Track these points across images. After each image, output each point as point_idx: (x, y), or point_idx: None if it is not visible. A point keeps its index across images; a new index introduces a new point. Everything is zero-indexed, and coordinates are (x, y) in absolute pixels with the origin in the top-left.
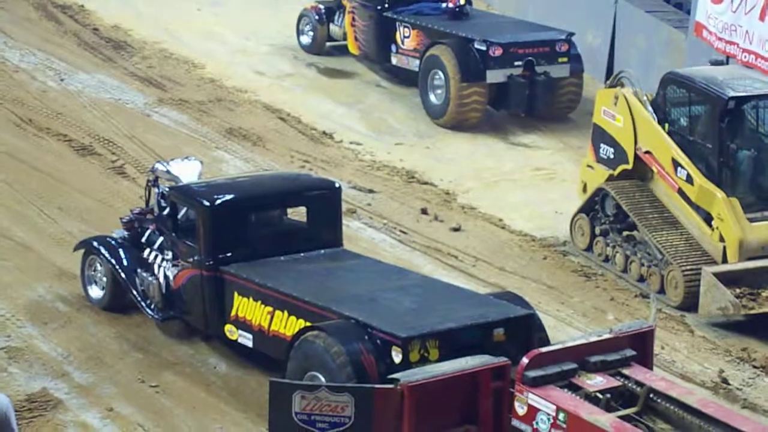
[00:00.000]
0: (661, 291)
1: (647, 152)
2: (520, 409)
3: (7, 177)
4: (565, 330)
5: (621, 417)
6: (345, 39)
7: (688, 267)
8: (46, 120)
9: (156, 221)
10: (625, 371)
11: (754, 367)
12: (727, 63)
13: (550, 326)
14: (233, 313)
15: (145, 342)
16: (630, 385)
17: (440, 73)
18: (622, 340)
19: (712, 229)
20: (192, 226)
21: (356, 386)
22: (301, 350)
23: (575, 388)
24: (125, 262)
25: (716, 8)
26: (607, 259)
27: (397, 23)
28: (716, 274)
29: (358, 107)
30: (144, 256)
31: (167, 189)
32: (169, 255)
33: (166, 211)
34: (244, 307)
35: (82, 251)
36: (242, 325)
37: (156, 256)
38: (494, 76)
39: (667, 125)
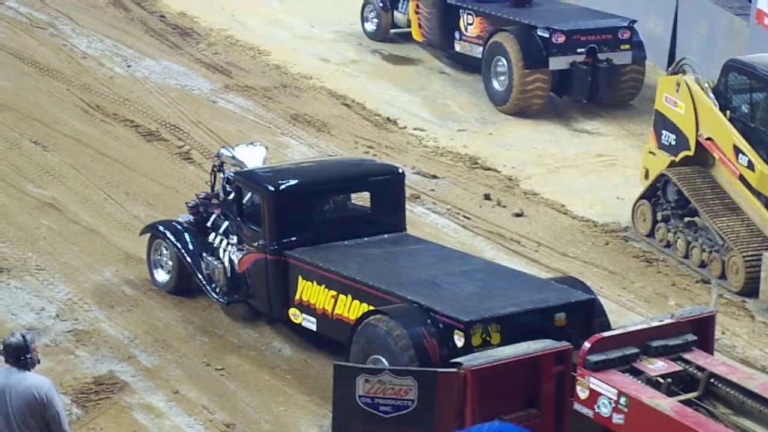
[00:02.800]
0: (722, 276)
1: (709, 139)
2: (582, 393)
3: (75, 162)
4: (626, 315)
5: (682, 401)
6: (409, 26)
7: (749, 253)
8: (113, 106)
9: (221, 206)
10: (686, 356)
11: None
12: None
13: (611, 311)
14: (297, 296)
15: (210, 325)
16: (691, 369)
17: (503, 59)
18: (684, 325)
19: None
20: (257, 211)
21: (419, 370)
22: (364, 334)
23: (637, 373)
24: (191, 247)
25: None
26: (668, 245)
27: (461, 10)
28: None
29: (421, 94)
30: (209, 241)
31: (232, 174)
32: (234, 239)
33: (231, 196)
34: (308, 291)
35: (148, 235)
36: (306, 308)
37: (221, 240)
38: (557, 63)
39: (728, 112)
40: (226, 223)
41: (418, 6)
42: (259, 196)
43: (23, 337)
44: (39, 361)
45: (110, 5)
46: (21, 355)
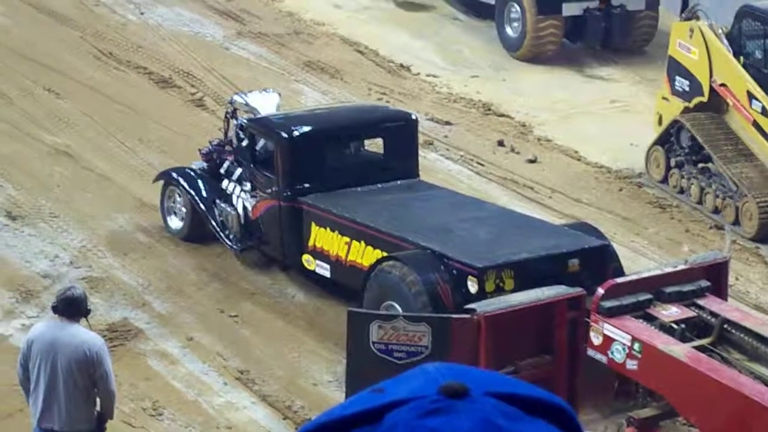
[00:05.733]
0: (736, 222)
1: (722, 85)
2: (596, 339)
3: (88, 110)
4: (639, 261)
5: (695, 347)
6: None
7: (763, 198)
8: (126, 53)
9: (234, 153)
10: (700, 302)
11: None
12: None
13: (624, 257)
14: (311, 243)
15: (223, 272)
16: (704, 315)
17: (516, 6)
18: (697, 271)
19: None
20: (270, 158)
21: (433, 316)
22: (377, 280)
23: (650, 319)
24: (204, 193)
25: None
26: (682, 191)
27: None
28: None
29: (434, 40)
30: (222, 187)
31: (245, 121)
32: (248, 186)
33: (244, 143)
34: (321, 237)
35: (161, 182)
36: (320, 255)
37: (234, 187)
38: (570, 8)
39: (742, 58)
40: (239, 170)
41: None
42: (272, 142)
43: (81, 289)
44: (91, 311)
45: None
46: (80, 307)
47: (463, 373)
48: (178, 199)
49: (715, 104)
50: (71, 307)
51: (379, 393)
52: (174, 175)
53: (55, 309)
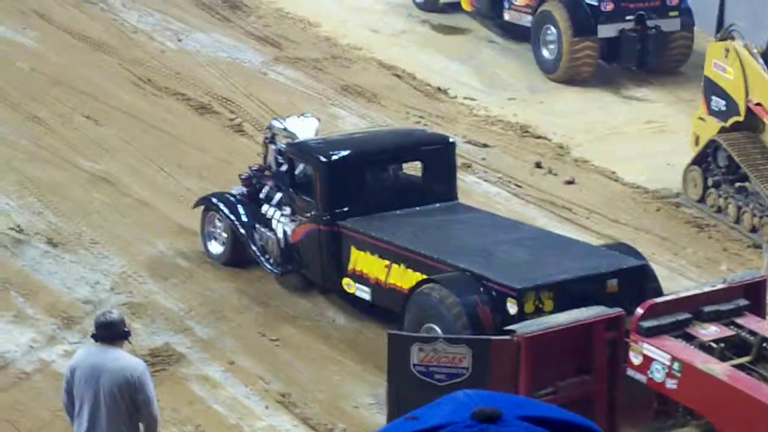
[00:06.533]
0: None
1: (758, 104)
2: (635, 359)
3: (127, 136)
4: (678, 280)
5: (735, 366)
6: None
7: None
8: (165, 80)
9: (274, 177)
10: (739, 321)
11: None
12: None
13: (663, 277)
14: (350, 266)
15: (264, 296)
16: (743, 334)
17: (552, 28)
18: (736, 289)
19: None
20: (309, 182)
21: (473, 338)
22: (417, 302)
23: (689, 338)
24: (244, 218)
25: None
26: (719, 210)
27: None
28: None
29: (471, 63)
30: (262, 212)
31: (284, 146)
32: (287, 210)
33: (283, 168)
34: (361, 260)
35: (201, 208)
36: (359, 278)
37: (274, 211)
38: (606, 30)
39: None
40: (278, 195)
41: None
42: (311, 167)
43: (119, 313)
44: (131, 334)
45: None
46: (117, 330)
47: (494, 398)
48: (218, 224)
49: (752, 123)
50: (108, 331)
51: (414, 420)
52: (214, 200)
53: (95, 336)
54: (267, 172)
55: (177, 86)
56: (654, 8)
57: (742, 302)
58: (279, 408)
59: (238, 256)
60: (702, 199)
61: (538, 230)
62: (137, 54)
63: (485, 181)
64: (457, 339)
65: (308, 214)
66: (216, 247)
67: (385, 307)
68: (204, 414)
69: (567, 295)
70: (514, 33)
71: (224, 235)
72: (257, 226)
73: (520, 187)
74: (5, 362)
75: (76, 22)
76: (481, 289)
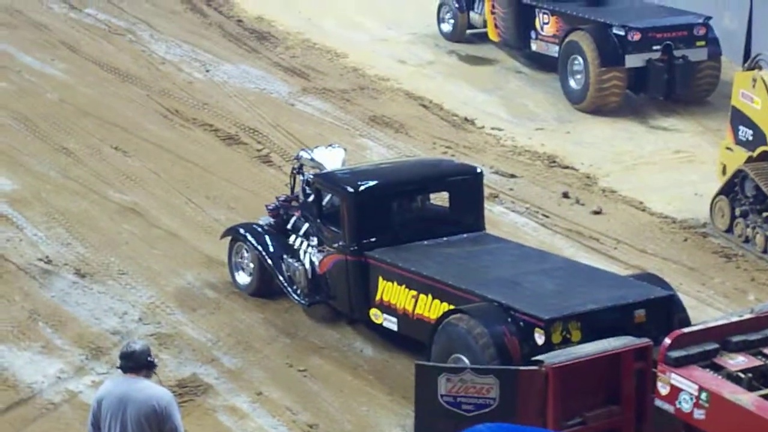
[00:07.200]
0: None
1: None
2: (663, 389)
3: (155, 167)
4: (705, 311)
5: (763, 396)
6: (485, 26)
7: None
8: (193, 111)
9: (301, 208)
10: (767, 351)
11: None
12: None
13: (691, 307)
14: (378, 297)
15: (292, 327)
16: None
17: (579, 58)
18: (763, 319)
19: None
20: (336, 213)
21: (501, 368)
22: (444, 333)
23: (717, 368)
24: (271, 249)
25: None
26: (747, 240)
27: (536, 10)
28: None
29: (498, 93)
30: (290, 243)
31: (312, 176)
32: (315, 241)
33: (310, 198)
34: (388, 291)
35: (229, 238)
36: (387, 308)
37: (301, 242)
38: (633, 60)
39: None
40: (306, 225)
41: (494, 6)
42: (338, 197)
43: (142, 343)
44: (156, 365)
45: (188, 11)
46: (142, 359)
47: (513, 431)
48: (246, 254)
49: None
50: (132, 361)
51: None
52: (241, 231)
53: (121, 367)
54: (294, 203)
55: (205, 117)
56: (681, 38)
57: None
58: None
59: (266, 287)
60: (729, 229)
61: (566, 260)
62: (165, 85)
63: (513, 211)
64: (485, 369)
65: (336, 245)
66: (243, 278)
67: (412, 338)
68: None
69: (595, 325)
70: (542, 63)
71: (251, 265)
72: (284, 256)
73: (547, 217)
74: (33, 393)
75: (104, 54)
76: (509, 319)
